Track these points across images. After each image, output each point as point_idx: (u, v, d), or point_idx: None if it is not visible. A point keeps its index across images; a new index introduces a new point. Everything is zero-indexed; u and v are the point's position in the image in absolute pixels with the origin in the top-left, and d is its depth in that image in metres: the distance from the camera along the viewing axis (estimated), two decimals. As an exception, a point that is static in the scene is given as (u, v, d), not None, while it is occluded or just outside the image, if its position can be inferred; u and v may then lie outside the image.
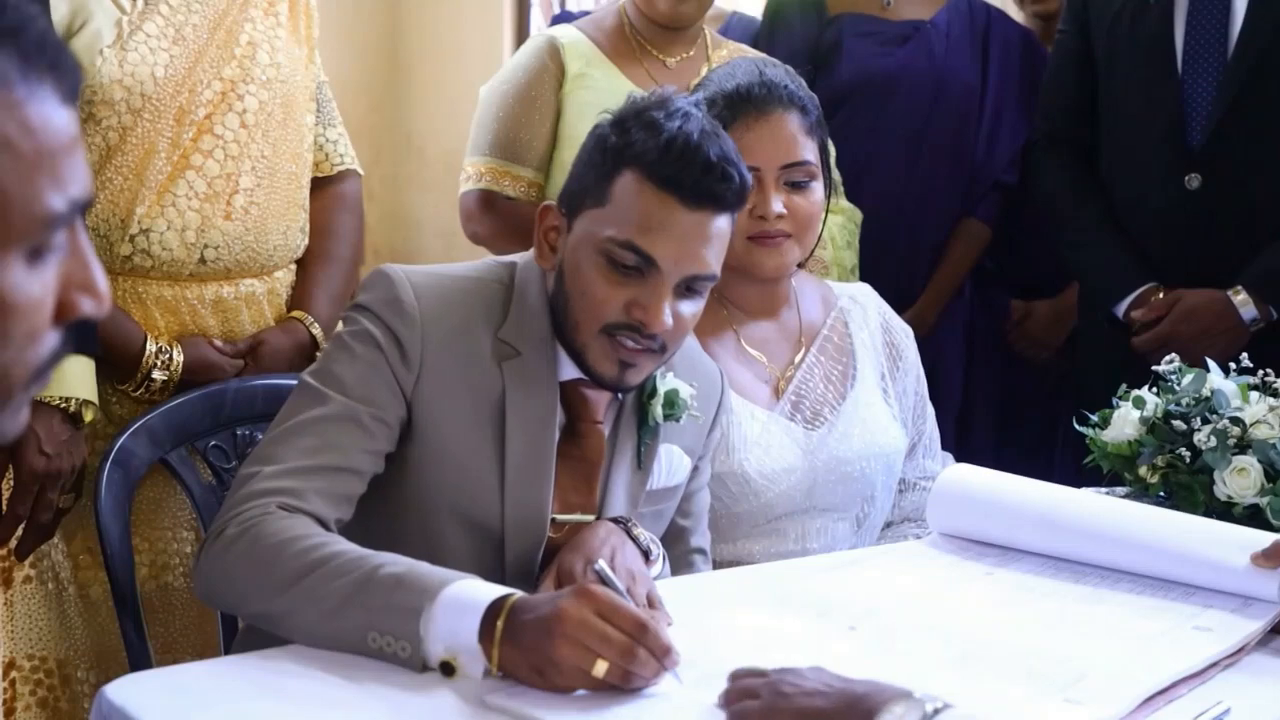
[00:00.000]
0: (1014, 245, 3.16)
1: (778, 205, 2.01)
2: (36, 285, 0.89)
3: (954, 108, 3.03)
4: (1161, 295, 2.71)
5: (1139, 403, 2.05)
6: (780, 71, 2.09)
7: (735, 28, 3.17)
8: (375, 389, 1.67)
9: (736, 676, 1.32)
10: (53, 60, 0.89)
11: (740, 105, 2.02)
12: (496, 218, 2.66)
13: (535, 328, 1.74)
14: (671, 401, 1.82)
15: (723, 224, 1.69)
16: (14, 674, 2.17)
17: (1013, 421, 3.17)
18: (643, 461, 1.83)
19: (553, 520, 1.74)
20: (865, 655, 1.50)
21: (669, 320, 1.66)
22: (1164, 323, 2.68)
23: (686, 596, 1.67)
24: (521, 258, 1.81)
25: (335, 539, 1.54)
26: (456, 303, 1.73)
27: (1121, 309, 2.76)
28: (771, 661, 1.36)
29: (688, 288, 1.69)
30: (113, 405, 2.12)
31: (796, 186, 2.04)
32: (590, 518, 1.76)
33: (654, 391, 1.81)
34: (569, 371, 1.75)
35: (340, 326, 1.73)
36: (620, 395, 1.81)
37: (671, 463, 1.86)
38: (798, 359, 2.13)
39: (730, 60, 2.16)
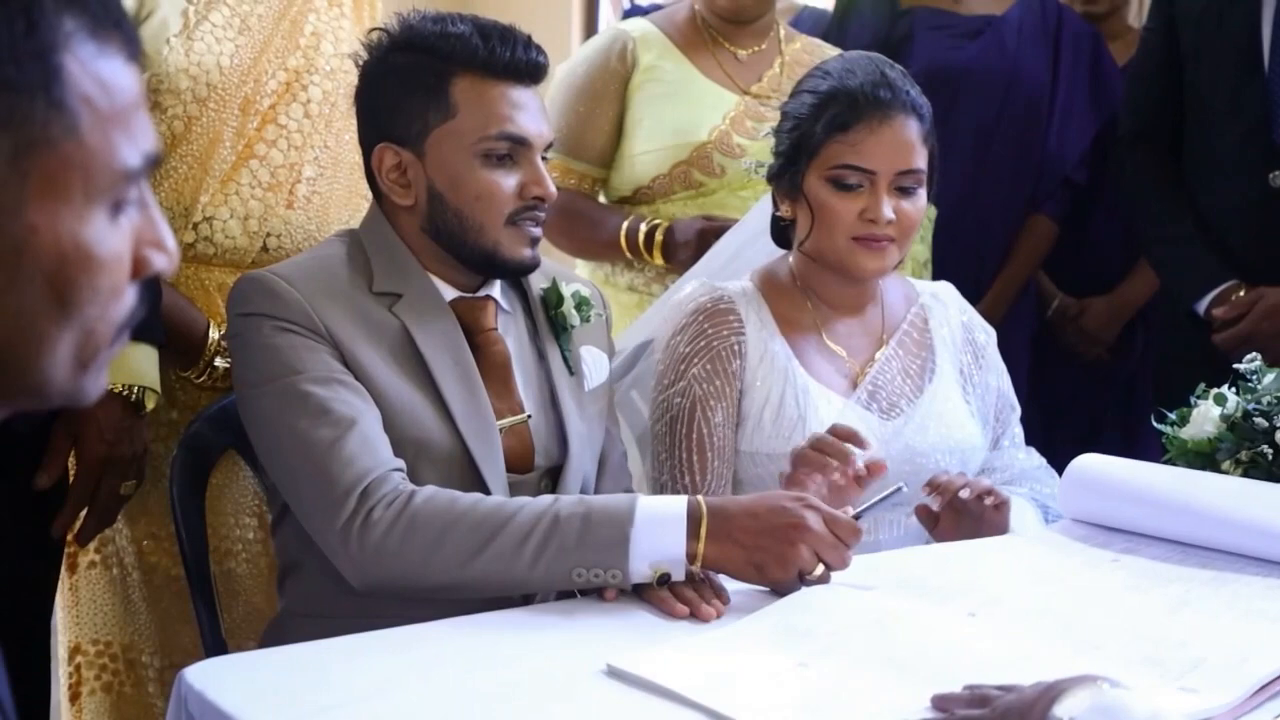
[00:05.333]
0: (1070, 241, 3.16)
1: (889, 211, 2.00)
2: (118, 239, 0.91)
3: (1024, 104, 3.02)
4: (1243, 293, 2.69)
5: (1220, 400, 2.01)
6: (899, 73, 2.07)
7: (806, 21, 3.16)
8: (320, 358, 1.72)
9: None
10: (116, 19, 0.91)
11: (866, 106, 2.00)
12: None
13: (405, 266, 1.83)
14: (580, 303, 1.93)
15: (534, 94, 1.84)
16: (79, 659, 2.19)
17: (1058, 420, 3.14)
18: (572, 368, 1.93)
19: None
20: (981, 641, 1.50)
21: (552, 186, 1.82)
22: (1245, 320, 2.66)
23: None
24: (347, 229, 1.92)
25: (480, 498, 1.65)
26: (321, 273, 1.80)
27: (1202, 306, 2.73)
28: (892, 642, 1.42)
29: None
30: (176, 391, 2.13)
31: (905, 192, 2.03)
32: (524, 417, 1.85)
33: (560, 298, 1.92)
34: (447, 294, 1.84)
35: (241, 341, 1.77)
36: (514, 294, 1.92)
37: (594, 362, 1.97)
38: (878, 355, 2.13)
39: (847, 55, 2.14)
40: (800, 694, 1.36)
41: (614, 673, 1.39)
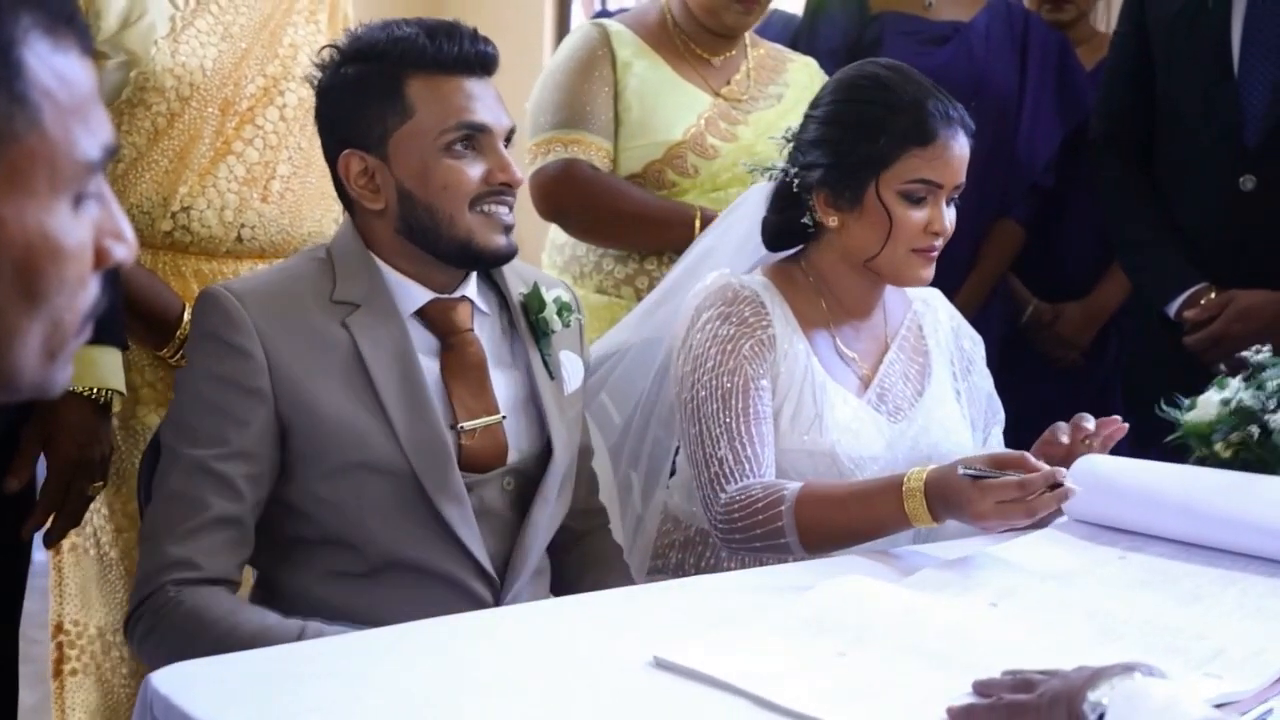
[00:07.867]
0: (1044, 247, 3.17)
1: (949, 224, 2.05)
2: (82, 230, 0.93)
3: (992, 109, 3.00)
4: (1214, 295, 2.69)
5: (1222, 384, 2.04)
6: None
7: (775, 24, 3.14)
8: (224, 426, 1.73)
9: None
10: (69, 15, 0.94)
11: (940, 122, 2.02)
12: (583, 186, 2.59)
13: (366, 276, 1.83)
14: (561, 308, 1.95)
15: (488, 85, 1.85)
16: (61, 637, 2.24)
17: (1031, 425, 3.15)
18: (553, 372, 1.95)
19: (462, 429, 1.83)
20: (1007, 631, 1.52)
21: (518, 171, 1.84)
22: (1217, 322, 2.66)
23: (826, 572, 1.70)
24: (322, 244, 1.92)
25: (235, 624, 1.64)
26: (280, 288, 1.81)
27: (1173, 309, 2.73)
28: (922, 631, 1.45)
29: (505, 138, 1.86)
30: (155, 368, 2.18)
31: (948, 205, 2.07)
32: (498, 418, 1.86)
33: (542, 304, 1.94)
34: (421, 296, 1.85)
35: (186, 366, 1.80)
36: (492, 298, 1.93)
37: (571, 367, 1.99)
38: (884, 358, 2.15)
39: (884, 63, 2.15)
40: (845, 681, 1.38)
41: (661, 663, 1.41)
